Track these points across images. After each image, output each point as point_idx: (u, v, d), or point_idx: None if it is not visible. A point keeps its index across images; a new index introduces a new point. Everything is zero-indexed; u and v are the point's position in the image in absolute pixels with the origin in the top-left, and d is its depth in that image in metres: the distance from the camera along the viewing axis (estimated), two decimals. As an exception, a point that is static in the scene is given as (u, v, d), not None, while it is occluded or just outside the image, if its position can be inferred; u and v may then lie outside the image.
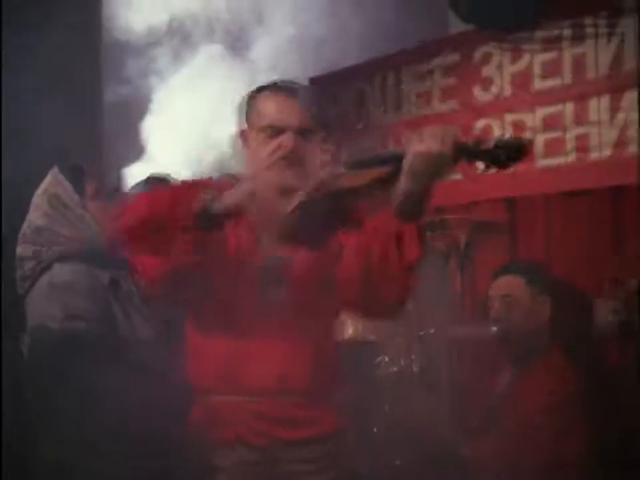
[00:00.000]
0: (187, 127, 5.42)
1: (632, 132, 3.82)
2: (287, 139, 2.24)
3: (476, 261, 3.92)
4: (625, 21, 3.85)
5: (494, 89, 4.37)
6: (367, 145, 4.31)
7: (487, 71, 4.39)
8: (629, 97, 3.83)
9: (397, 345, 3.31)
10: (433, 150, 2.04)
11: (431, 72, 4.65)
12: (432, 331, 3.42)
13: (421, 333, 3.39)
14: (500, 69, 4.34)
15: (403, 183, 2.05)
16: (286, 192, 2.10)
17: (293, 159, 2.21)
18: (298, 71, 5.26)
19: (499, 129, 4.32)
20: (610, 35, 3.92)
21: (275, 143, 2.23)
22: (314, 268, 2.22)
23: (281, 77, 5.23)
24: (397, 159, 2.09)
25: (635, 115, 3.81)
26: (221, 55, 5.61)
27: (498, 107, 4.34)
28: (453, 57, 4.55)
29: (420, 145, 2.04)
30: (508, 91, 4.31)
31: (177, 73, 5.74)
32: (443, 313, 3.48)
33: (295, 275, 2.22)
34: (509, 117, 4.29)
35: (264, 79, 5.38)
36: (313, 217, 2.05)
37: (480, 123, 4.40)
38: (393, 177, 2.07)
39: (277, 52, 5.34)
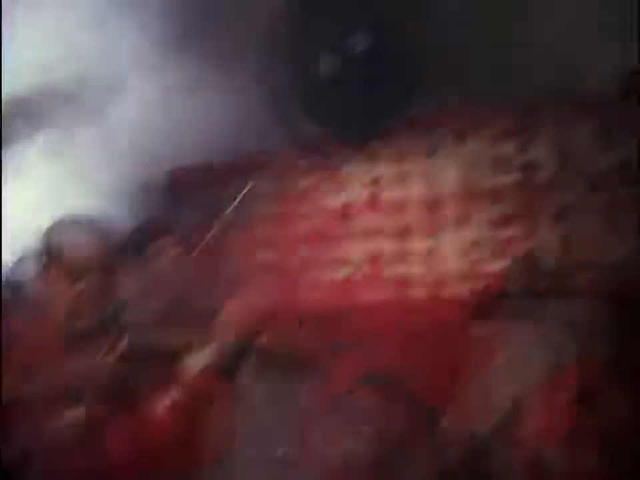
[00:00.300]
0: (37, 204, 5.22)
1: (483, 246, 3.96)
2: (88, 281, 2.15)
3: (325, 375, 3.92)
4: (475, 143, 4.03)
5: (346, 197, 4.44)
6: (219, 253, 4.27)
7: (339, 177, 4.47)
8: (479, 213, 3.98)
9: (245, 466, 3.23)
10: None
11: (281, 177, 4.69)
12: (281, 452, 3.37)
13: (276, 454, 3.34)
14: (352, 178, 4.43)
15: (215, 345, 1.98)
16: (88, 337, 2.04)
17: (94, 299, 2.13)
18: (150, 158, 5.19)
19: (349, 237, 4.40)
20: (460, 152, 4.08)
21: (77, 285, 2.15)
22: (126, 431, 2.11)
23: (135, 164, 5.16)
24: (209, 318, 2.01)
25: (485, 230, 3.97)
26: (72, 131, 5.47)
27: (348, 216, 4.42)
28: (304, 163, 4.61)
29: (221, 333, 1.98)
30: (359, 199, 4.39)
31: (23, 152, 5.56)
32: (292, 432, 3.44)
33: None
34: (360, 225, 4.37)
35: (117, 156, 5.27)
36: (129, 372, 1.99)
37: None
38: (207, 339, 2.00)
39: (132, 135, 5.25)
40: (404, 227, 4.20)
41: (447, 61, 4.26)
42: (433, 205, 4.11)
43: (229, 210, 2.27)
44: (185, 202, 4.81)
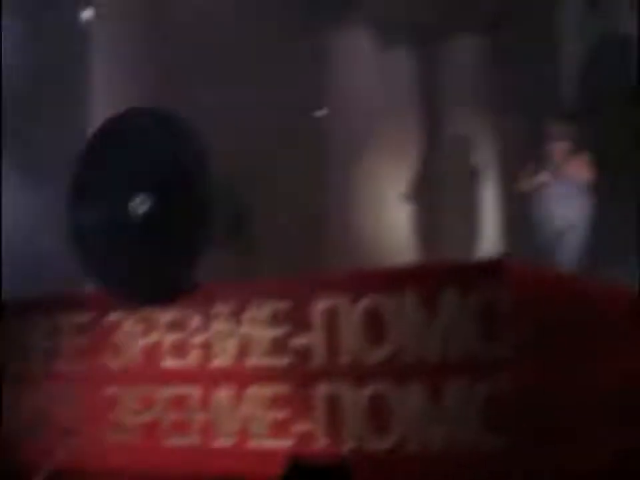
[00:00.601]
0: None
1: (255, 425, 4.02)
2: None
3: None
4: (253, 320, 4.11)
5: (124, 357, 4.41)
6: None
7: (118, 337, 4.42)
8: (254, 391, 4.04)
9: None
10: None
11: (61, 327, 4.59)
12: None
13: None
14: (131, 339, 4.40)
15: None
16: None
17: None
18: None
19: (127, 400, 4.36)
20: (238, 327, 4.15)
21: None
22: None
23: None
24: None
25: (258, 409, 4.03)
26: None
27: (128, 377, 4.35)
28: (86, 316, 4.53)
29: None
30: (138, 361, 4.37)
31: None
32: None
33: None
34: (139, 389, 4.33)
35: None
36: None
37: (110, 390, 4.40)
38: None
39: None
40: (180, 397, 4.21)
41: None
42: (209, 378, 4.15)
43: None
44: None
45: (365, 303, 3.81)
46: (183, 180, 4.31)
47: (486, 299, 3.58)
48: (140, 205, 4.30)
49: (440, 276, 3.74)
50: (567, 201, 7.13)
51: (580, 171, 7.07)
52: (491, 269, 3.66)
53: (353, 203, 8.26)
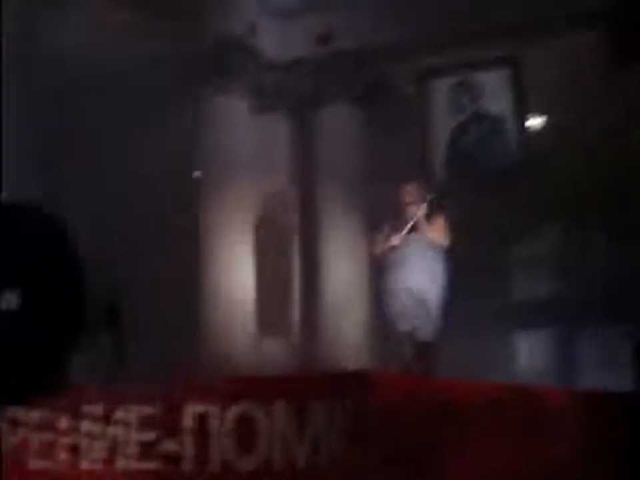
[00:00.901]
0: None
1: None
2: None
3: None
4: (121, 424, 4.09)
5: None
6: None
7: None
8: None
9: None
10: None
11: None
12: None
13: None
14: (-3, 437, 4.31)
15: None
16: None
17: None
18: None
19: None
20: (106, 429, 4.11)
21: None
22: None
23: None
24: None
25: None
26: None
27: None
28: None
29: None
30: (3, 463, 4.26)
31: None
32: None
33: None
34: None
35: None
36: None
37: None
38: None
39: None
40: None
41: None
42: (76, 480, 4.11)
43: None
44: None
45: (235, 410, 3.86)
46: (51, 273, 4.27)
47: (353, 408, 3.69)
48: (4, 301, 4.24)
49: (309, 386, 3.83)
50: (421, 265, 7.25)
51: (436, 235, 7.17)
52: (358, 380, 3.78)
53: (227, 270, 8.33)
